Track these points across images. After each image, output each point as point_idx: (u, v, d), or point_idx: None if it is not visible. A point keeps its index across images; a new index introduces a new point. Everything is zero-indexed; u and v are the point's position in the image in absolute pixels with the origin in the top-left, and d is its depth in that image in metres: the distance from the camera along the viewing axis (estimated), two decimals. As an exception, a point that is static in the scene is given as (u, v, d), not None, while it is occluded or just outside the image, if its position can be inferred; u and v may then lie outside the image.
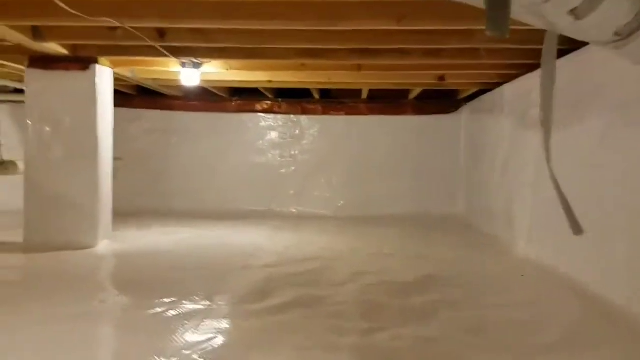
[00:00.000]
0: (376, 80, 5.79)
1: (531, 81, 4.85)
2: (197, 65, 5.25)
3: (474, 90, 6.80)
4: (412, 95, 7.28)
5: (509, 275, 4.20)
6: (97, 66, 4.88)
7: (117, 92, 6.97)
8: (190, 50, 4.49)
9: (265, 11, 3.32)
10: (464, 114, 7.50)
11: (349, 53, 4.48)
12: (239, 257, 4.63)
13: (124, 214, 6.44)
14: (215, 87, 6.86)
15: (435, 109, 7.63)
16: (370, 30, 3.94)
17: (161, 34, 3.96)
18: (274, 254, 4.79)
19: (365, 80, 5.85)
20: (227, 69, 5.34)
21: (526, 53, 4.40)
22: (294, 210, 7.63)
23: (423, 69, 5.21)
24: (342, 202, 7.67)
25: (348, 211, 7.52)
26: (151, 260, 4.53)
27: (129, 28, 3.66)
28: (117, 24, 3.49)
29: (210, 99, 7.56)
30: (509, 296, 3.60)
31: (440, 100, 7.57)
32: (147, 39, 3.90)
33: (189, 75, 5.37)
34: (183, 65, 5.20)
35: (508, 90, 5.61)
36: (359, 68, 5.21)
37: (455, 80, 5.82)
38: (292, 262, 4.47)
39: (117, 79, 5.68)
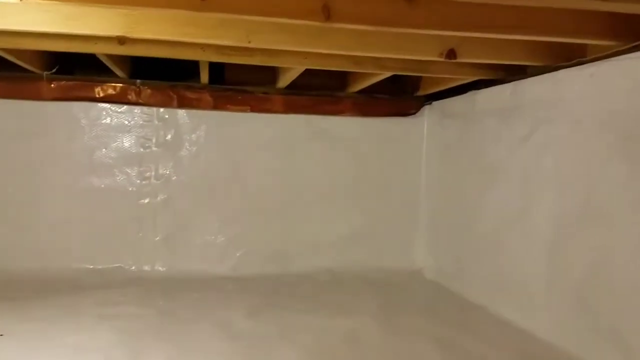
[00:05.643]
0: (344, 49, 2.97)
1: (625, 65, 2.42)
2: None
3: (454, 84, 4.31)
4: (355, 88, 4.63)
5: None
6: None
7: None
8: None
9: None
10: (429, 117, 5.01)
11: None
12: None
13: None
14: (11, 52, 3.55)
15: (387, 109, 5.01)
16: None
17: None
18: None
19: (323, 48, 2.95)
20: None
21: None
22: (161, 269, 4.55)
23: (436, 25, 2.56)
24: (242, 251, 4.76)
25: (253, 266, 4.66)
26: None
27: None
28: None
29: (10, 75, 4.20)
30: None
31: (395, 97, 5.00)
32: None
33: None
34: None
35: (533, 85, 3.12)
36: (327, 15, 2.39)
37: (469, 58, 3.24)
38: None
39: None
